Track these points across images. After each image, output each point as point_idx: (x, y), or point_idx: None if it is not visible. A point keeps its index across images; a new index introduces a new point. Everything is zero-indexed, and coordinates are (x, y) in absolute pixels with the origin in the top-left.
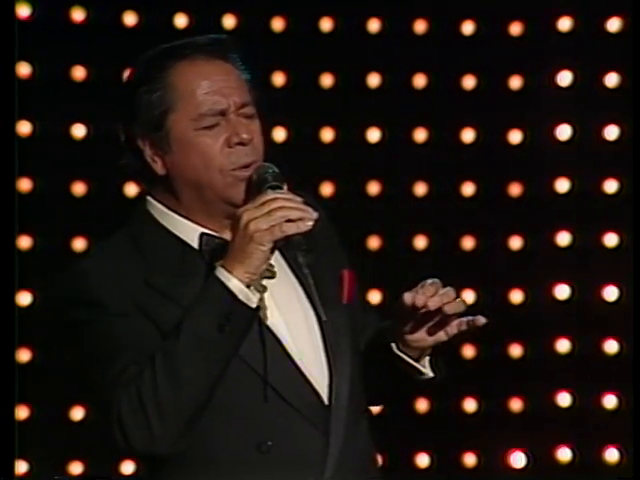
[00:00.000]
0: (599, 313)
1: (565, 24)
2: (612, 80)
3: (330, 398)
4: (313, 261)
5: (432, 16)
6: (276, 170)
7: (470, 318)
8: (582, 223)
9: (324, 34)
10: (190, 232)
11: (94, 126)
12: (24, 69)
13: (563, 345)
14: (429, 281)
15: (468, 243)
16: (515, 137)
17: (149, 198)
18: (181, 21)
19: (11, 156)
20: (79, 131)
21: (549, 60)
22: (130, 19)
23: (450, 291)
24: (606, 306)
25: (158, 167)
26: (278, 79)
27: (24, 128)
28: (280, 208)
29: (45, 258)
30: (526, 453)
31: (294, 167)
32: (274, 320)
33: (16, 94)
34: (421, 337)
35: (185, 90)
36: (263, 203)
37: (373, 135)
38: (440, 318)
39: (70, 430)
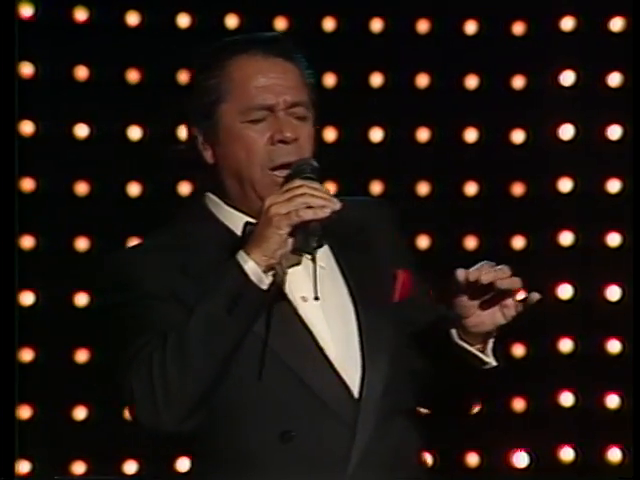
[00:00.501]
0: (602, 313)
1: (568, 24)
2: (615, 80)
3: (360, 392)
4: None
5: (435, 16)
6: (315, 165)
7: (524, 296)
8: (585, 223)
9: (326, 34)
10: (237, 221)
11: (97, 126)
12: (26, 69)
13: (566, 345)
14: (482, 262)
15: (471, 243)
16: (518, 137)
17: (207, 193)
18: (184, 21)
19: (13, 156)
20: (82, 131)
21: (552, 60)
22: (133, 19)
23: (505, 268)
24: (609, 306)
25: (208, 156)
26: None
27: (27, 128)
28: (302, 195)
29: (47, 258)
30: (529, 453)
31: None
32: (311, 313)
33: (16, 94)
34: (479, 321)
35: (238, 82)
36: (288, 190)
37: (376, 135)
38: (496, 299)
39: (72, 430)
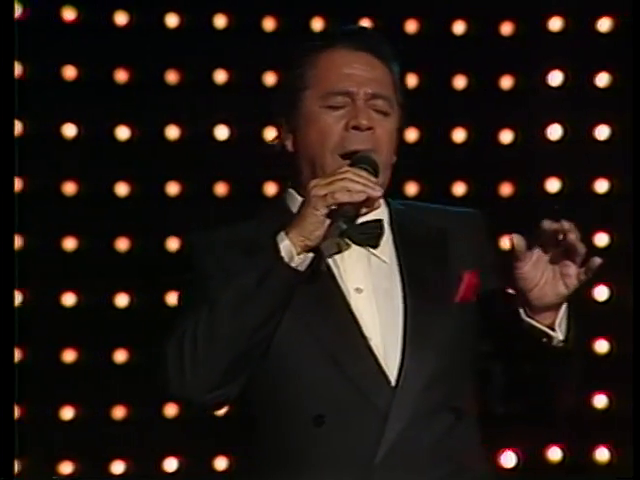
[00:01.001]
0: (590, 313)
1: (556, 24)
2: (603, 80)
3: (397, 382)
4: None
5: (423, 16)
6: (373, 158)
7: (587, 264)
8: (572, 223)
9: (316, 34)
10: None
11: (85, 126)
12: (18, 69)
13: None
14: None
15: None
16: (506, 137)
17: (288, 189)
18: (172, 20)
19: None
20: (70, 130)
21: (540, 60)
22: (121, 19)
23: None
24: (597, 306)
25: (289, 145)
26: (269, 79)
27: (17, 128)
28: (343, 179)
29: (37, 258)
30: (516, 453)
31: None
32: (362, 304)
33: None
34: (542, 293)
35: (324, 69)
36: (333, 173)
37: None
38: (557, 270)
39: (60, 430)
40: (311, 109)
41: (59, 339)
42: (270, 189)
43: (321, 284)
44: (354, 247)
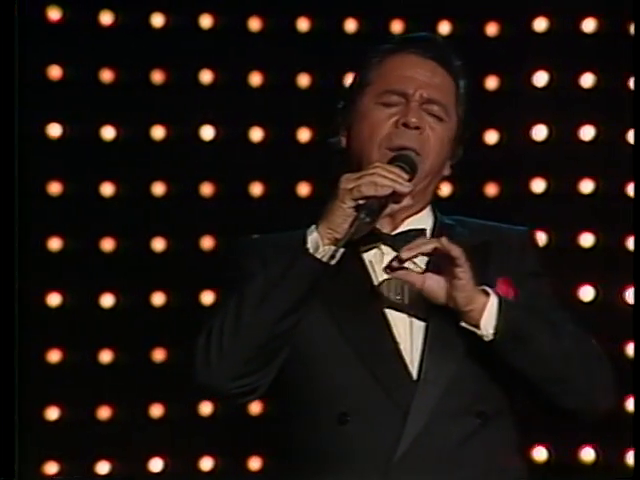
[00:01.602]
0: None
1: (541, 24)
2: (588, 80)
3: (418, 377)
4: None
5: (408, 16)
6: (413, 158)
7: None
8: (558, 223)
9: (302, 34)
10: None
11: (70, 126)
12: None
13: None
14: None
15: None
16: (491, 137)
17: None
18: (158, 20)
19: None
20: (55, 130)
21: (525, 60)
22: (106, 18)
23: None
24: (582, 306)
25: (344, 141)
26: (255, 79)
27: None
28: (372, 174)
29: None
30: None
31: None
32: (392, 305)
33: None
34: (431, 289)
35: (386, 70)
36: (366, 169)
37: (303, 135)
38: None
39: (46, 430)
40: (366, 105)
41: (45, 339)
42: (256, 189)
43: (357, 288)
44: (393, 254)
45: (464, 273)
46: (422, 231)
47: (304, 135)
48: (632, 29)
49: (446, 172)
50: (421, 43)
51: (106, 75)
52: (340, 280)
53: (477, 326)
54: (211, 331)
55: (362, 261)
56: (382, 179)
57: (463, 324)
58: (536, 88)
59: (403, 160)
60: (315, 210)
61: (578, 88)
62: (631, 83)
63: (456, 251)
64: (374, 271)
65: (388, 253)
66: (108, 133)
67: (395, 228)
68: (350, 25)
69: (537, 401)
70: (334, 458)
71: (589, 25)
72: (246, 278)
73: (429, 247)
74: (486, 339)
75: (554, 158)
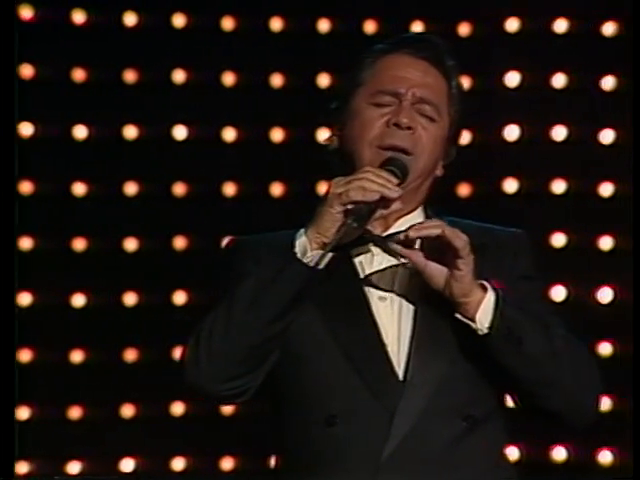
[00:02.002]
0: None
1: (513, 25)
2: (560, 81)
3: (405, 379)
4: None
5: (381, 16)
6: (404, 162)
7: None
8: (531, 223)
9: (274, 34)
10: None
11: (41, 126)
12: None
13: None
14: None
15: None
16: (464, 138)
17: None
18: (130, 20)
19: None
20: (27, 130)
21: (497, 61)
22: (79, 17)
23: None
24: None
25: (336, 141)
26: (228, 79)
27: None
28: (361, 178)
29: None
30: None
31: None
32: (383, 309)
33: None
34: (432, 274)
35: (379, 70)
36: (355, 174)
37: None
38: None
39: (19, 430)
40: (359, 105)
41: (15, 339)
42: (229, 189)
43: (347, 290)
44: (384, 255)
45: (465, 265)
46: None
47: (277, 135)
48: (606, 29)
49: (439, 172)
50: (414, 43)
51: (78, 74)
52: (330, 282)
53: (472, 319)
54: (201, 332)
55: (352, 263)
56: (371, 184)
57: (458, 315)
58: (508, 88)
59: (394, 164)
60: (288, 210)
61: (550, 88)
62: (603, 83)
63: (460, 242)
64: (364, 272)
65: (378, 254)
66: (80, 132)
67: (386, 229)
68: (323, 25)
69: (524, 404)
70: (322, 460)
71: (561, 26)
72: (238, 279)
73: (435, 232)
74: (480, 333)
75: (526, 158)
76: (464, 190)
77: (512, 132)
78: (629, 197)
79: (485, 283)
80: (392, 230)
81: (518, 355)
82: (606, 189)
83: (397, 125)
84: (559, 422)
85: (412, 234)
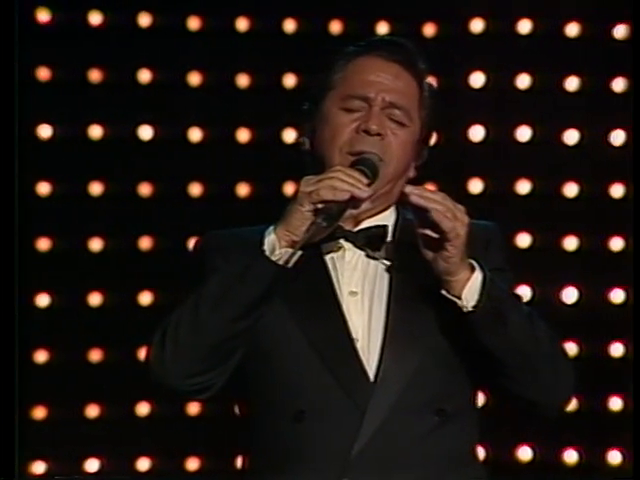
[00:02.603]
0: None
1: (477, 26)
2: (524, 81)
3: (376, 377)
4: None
5: (347, 17)
6: (376, 162)
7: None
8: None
9: (241, 34)
10: None
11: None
12: (43, 73)
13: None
14: None
15: None
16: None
17: None
18: (95, 19)
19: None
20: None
21: (462, 61)
22: (43, 16)
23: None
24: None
25: (307, 143)
26: (194, 79)
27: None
28: (331, 177)
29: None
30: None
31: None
32: (354, 305)
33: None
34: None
35: (350, 73)
36: (326, 172)
37: (289, 135)
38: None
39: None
40: (329, 109)
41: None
42: (195, 189)
43: (316, 285)
44: (355, 250)
45: (453, 249)
46: (384, 227)
47: (243, 135)
48: (570, 30)
49: (411, 174)
50: (386, 46)
51: (43, 73)
52: (300, 277)
53: (458, 297)
54: (167, 328)
55: (322, 258)
56: (341, 183)
57: (443, 292)
58: (473, 89)
59: (364, 164)
60: (254, 211)
61: (515, 89)
62: (567, 84)
63: (447, 224)
64: (334, 267)
65: (350, 249)
66: (45, 132)
67: (357, 225)
68: (289, 25)
69: (499, 392)
70: (291, 456)
71: (525, 26)
72: (207, 275)
73: (430, 205)
74: (465, 310)
75: (491, 158)
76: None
77: (477, 133)
78: (595, 198)
79: (473, 262)
80: (363, 226)
81: (502, 336)
82: (571, 189)
83: (366, 132)
84: (531, 411)
85: (413, 199)
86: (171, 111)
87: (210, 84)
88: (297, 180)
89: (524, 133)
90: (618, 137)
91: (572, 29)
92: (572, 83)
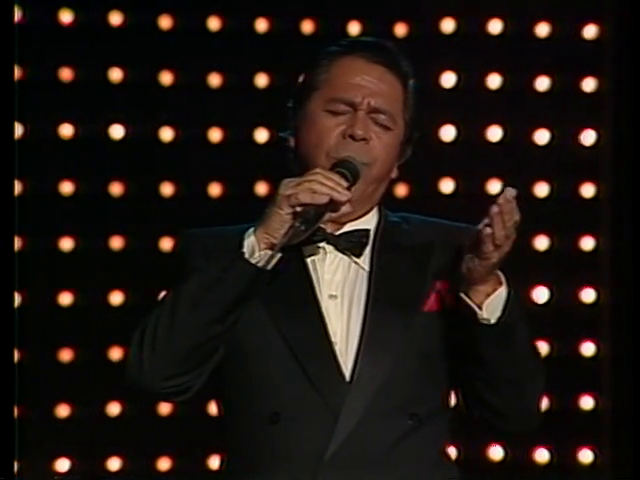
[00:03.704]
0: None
1: (449, 26)
2: (495, 81)
3: (351, 378)
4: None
5: (318, 16)
6: (357, 165)
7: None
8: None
9: (213, 33)
10: None
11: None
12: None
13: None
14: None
15: None
16: None
17: None
18: (66, 17)
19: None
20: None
21: (433, 61)
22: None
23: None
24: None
25: (292, 141)
26: (166, 78)
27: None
28: (311, 181)
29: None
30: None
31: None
32: (333, 309)
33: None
34: (472, 266)
35: (335, 75)
36: (306, 175)
37: (261, 135)
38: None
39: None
40: (314, 111)
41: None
42: (167, 189)
43: (297, 287)
44: (336, 254)
45: (496, 258)
46: (366, 231)
47: (215, 135)
48: (540, 30)
49: (393, 175)
50: (370, 47)
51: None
52: (279, 278)
53: (478, 306)
54: (145, 330)
55: (303, 261)
56: (320, 186)
57: (463, 296)
58: (444, 89)
59: (344, 166)
60: (226, 210)
61: (485, 89)
62: (537, 83)
63: (501, 238)
64: (315, 270)
65: (331, 252)
66: (17, 131)
67: (339, 228)
68: (261, 25)
69: (474, 402)
70: (266, 457)
71: (495, 27)
72: (186, 275)
73: (509, 218)
74: (482, 321)
75: (463, 159)
76: (401, 191)
77: (448, 133)
78: (566, 197)
79: (501, 275)
80: (345, 229)
81: (507, 351)
82: (542, 189)
83: (352, 137)
84: (500, 425)
85: (494, 210)
86: (143, 110)
87: (182, 83)
88: (269, 180)
89: (495, 133)
90: (588, 137)
91: (542, 29)
92: (542, 83)
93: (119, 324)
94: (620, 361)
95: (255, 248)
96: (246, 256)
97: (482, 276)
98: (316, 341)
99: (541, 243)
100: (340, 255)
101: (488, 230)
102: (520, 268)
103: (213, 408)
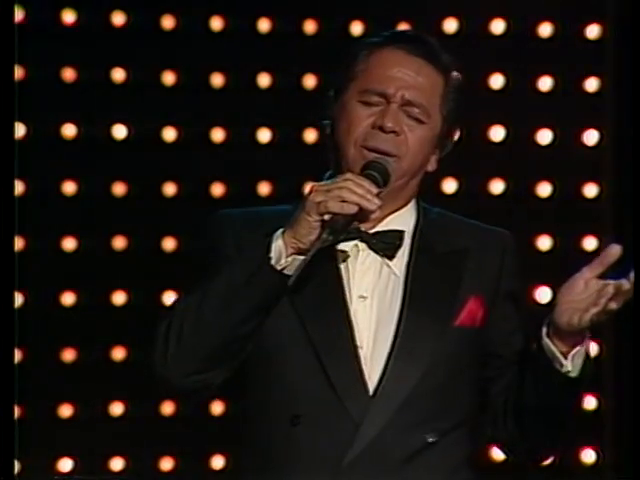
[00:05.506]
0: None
1: (451, 26)
2: (498, 81)
3: (376, 393)
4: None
5: (321, 16)
6: (386, 167)
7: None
8: None
9: (215, 33)
10: None
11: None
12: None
13: None
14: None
15: None
16: None
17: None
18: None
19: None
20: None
21: None
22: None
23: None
24: None
25: (328, 129)
26: (168, 78)
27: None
28: (341, 188)
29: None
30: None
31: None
32: (362, 311)
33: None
34: (570, 314)
35: (371, 66)
36: (336, 180)
37: (264, 135)
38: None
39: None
40: (349, 101)
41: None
42: (169, 189)
43: (326, 286)
44: (369, 254)
45: (600, 315)
46: (400, 233)
47: (218, 135)
48: (543, 30)
49: (430, 168)
50: (410, 40)
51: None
52: (310, 277)
53: (563, 355)
54: (172, 323)
55: (335, 259)
56: (350, 195)
57: (547, 341)
58: None
59: (374, 168)
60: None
61: (488, 89)
62: (539, 83)
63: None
64: (347, 268)
65: (364, 250)
66: (19, 131)
67: (374, 226)
68: (264, 25)
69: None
70: (282, 458)
71: (498, 27)
72: (219, 261)
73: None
74: (563, 370)
75: (465, 158)
76: None
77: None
78: (568, 197)
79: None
80: (380, 227)
81: (567, 396)
82: (544, 189)
83: (381, 128)
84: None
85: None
86: (146, 110)
87: (184, 83)
88: (272, 180)
89: (497, 133)
90: (591, 137)
91: (545, 29)
92: (545, 83)
93: (121, 324)
94: (622, 361)
95: (282, 253)
96: (272, 262)
97: (583, 327)
98: (341, 344)
99: (543, 243)
100: (373, 255)
101: (627, 285)
102: (523, 268)
103: (216, 408)
